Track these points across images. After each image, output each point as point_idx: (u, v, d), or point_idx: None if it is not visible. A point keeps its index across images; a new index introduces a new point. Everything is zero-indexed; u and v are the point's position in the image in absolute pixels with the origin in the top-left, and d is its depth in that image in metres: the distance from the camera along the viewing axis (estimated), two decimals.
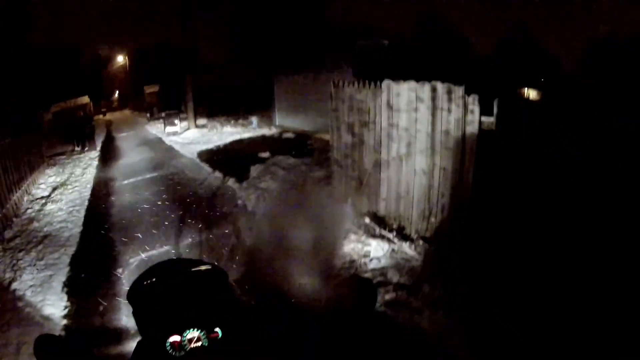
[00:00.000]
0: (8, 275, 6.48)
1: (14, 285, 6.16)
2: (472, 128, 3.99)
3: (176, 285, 1.36)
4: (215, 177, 10.96)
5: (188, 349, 1.23)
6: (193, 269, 1.42)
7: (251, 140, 16.11)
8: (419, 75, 4.90)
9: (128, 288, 1.42)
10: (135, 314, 1.36)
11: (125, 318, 4.91)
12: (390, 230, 5.43)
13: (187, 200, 9.04)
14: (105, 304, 5.36)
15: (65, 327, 4.99)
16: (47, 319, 5.21)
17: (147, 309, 1.35)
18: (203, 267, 1.45)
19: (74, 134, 19.59)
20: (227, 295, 1.41)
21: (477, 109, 3.93)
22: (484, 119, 4.01)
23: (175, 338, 1.23)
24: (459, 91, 4.08)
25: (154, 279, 1.39)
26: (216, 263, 1.46)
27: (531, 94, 10.78)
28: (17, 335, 4.84)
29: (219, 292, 1.39)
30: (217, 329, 1.27)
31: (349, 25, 15.27)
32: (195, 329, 1.25)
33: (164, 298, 1.33)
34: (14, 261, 6.97)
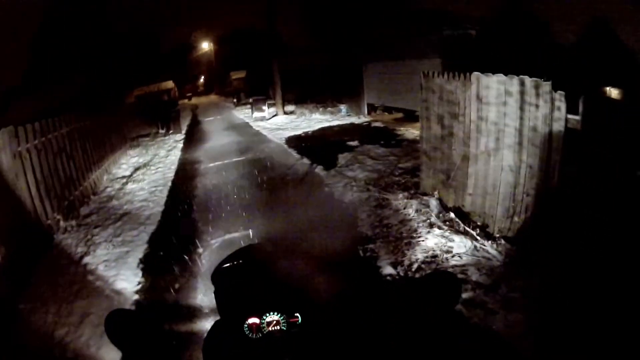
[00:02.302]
0: (80, 249, 6.80)
1: (86, 259, 6.44)
2: (558, 125, 4.08)
3: (260, 268, 1.55)
4: (302, 163, 11.28)
5: (266, 331, 1.39)
6: (287, 251, 1.72)
7: (340, 128, 16.37)
8: (505, 66, 5.01)
9: (211, 269, 1.66)
10: (216, 294, 1.55)
11: (200, 297, 5.14)
12: (474, 228, 5.61)
13: (273, 185, 9.34)
14: (182, 282, 5.58)
15: (137, 302, 5.21)
16: (118, 292, 5.46)
17: (229, 289, 1.52)
18: (296, 250, 1.75)
19: (158, 116, 20.67)
20: (317, 281, 1.57)
21: (563, 106, 4.01)
22: (570, 116, 4.08)
23: (254, 320, 1.39)
24: (546, 87, 4.18)
25: (239, 261, 1.62)
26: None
27: (613, 92, 10.25)
28: (83, 306, 5.10)
29: (308, 277, 1.56)
30: (298, 315, 1.42)
31: (434, 11, 15.13)
32: (276, 313, 1.40)
33: (247, 280, 1.51)
34: (89, 236, 7.30)
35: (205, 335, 1.53)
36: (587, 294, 3.65)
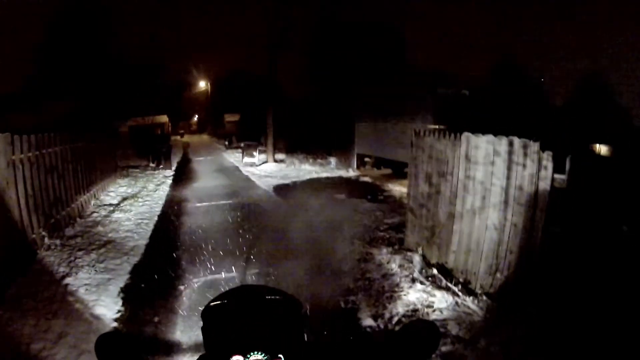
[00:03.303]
0: (62, 269, 6.71)
1: (68, 280, 6.34)
2: (544, 184, 4.22)
3: (249, 308, 1.55)
4: (290, 212, 11.26)
5: None
6: (268, 297, 1.75)
7: (328, 180, 16.57)
8: (497, 125, 5.19)
9: (192, 306, 1.71)
10: (204, 330, 1.55)
11: (179, 333, 5.17)
12: (457, 284, 5.68)
13: (259, 231, 9.37)
14: (161, 316, 5.58)
15: (115, 330, 5.13)
16: (96, 317, 5.38)
17: (217, 326, 1.53)
18: (278, 296, 1.77)
19: (150, 149, 20.85)
20: (296, 326, 1.54)
21: (550, 165, 4.16)
22: (556, 175, 4.23)
23: (238, 357, 1.40)
24: (534, 146, 4.34)
25: (229, 300, 1.61)
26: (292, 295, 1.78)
27: (602, 149, 10.58)
28: (61, 325, 5.03)
29: (289, 322, 1.54)
30: (281, 356, 1.42)
31: (428, 70, 15.65)
32: (260, 353, 1.41)
33: (235, 319, 1.52)
34: (72, 258, 7.20)
35: None
36: (566, 351, 3.68)
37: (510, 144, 4.70)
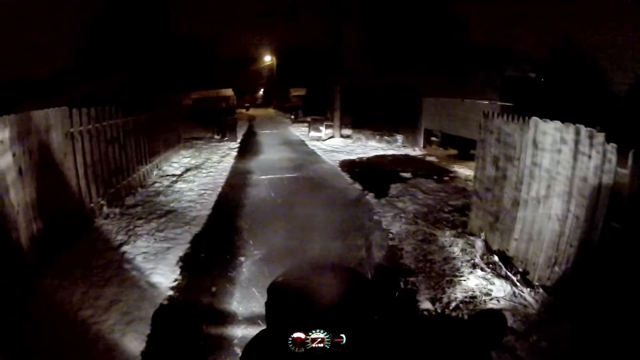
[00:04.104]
0: (120, 237, 7.02)
1: (125, 248, 6.64)
2: (608, 178, 4.12)
3: (314, 286, 1.60)
4: (354, 188, 11.43)
5: (309, 347, 1.43)
6: (334, 274, 1.68)
7: (394, 158, 16.50)
8: (561, 111, 5.07)
9: (251, 278, 1.77)
10: (268, 305, 1.62)
11: (236, 304, 5.23)
12: (516, 273, 5.66)
13: (322, 206, 9.45)
14: (219, 287, 5.69)
15: (170, 298, 5.34)
16: (152, 285, 5.59)
17: (280, 302, 1.58)
18: (345, 274, 1.83)
19: (215, 122, 21.37)
20: (361, 305, 1.60)
21: (614, 159, 4.04)
22: (619, 169, 4.14)
23: (300, 334, 1.43)
24: (600, 137, 4.24)
25: (295, 276, 1.70)
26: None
27: None
28: (113, 293, 5.26)
29: (354, 301, 1.59)
30: (343, 335, 1.45)
31: (492, 48, 15.10)
32: (322, 331, 1.45)
33: (300, 295, 1.56)
34: (131, 226, 7.52)
35: (240, 344, 1.66)
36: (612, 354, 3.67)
37: (577, 132, 4.60)
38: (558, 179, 4.96)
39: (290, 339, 1.44)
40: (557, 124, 5.00)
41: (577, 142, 4.62)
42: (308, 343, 1.43)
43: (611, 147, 4.13)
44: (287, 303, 1.58)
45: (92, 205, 7.78)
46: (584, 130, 4.52)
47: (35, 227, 5.93)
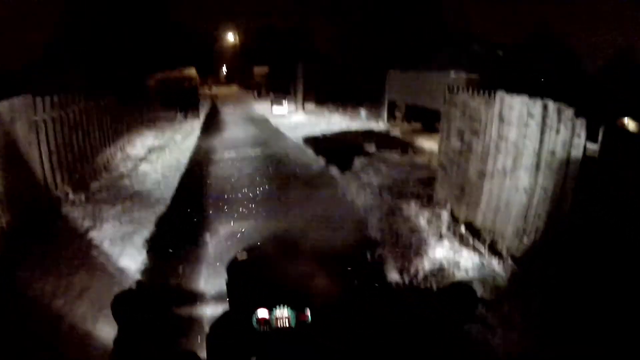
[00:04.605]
0: (87, 223, 6.79)
1: (92, 234, 6.42)
2: (576, 152, 4.17)
3: (278, 261, 1.62)
4: (318, 163, 11.44)
5: (274, 326, 1.42)
6: (294, 249, 1.81)
7: (358, 133, 16.48)
8: (529, 88, 5.11)
9: (217, 256, 1.71)
10: (229, 284, 1.60)
11: (203, 284, 5.20)
12: (483, 244, 5.72)
13: (286, 181, 9.52)
14: (186, 267, 5.62)
15: (138, 282, 5.19)
16: (120, 270, 5.45)
17: (241, 280, 1.56)
18: (305, 248, 1.83)
19: (178, 102, 21.02)
20: (327, 280, 1.58)
21: (583, 133, 4.09)
22: (588, 144, 4.18)
23: (264, 313, 1.42)
24: (569, 112, 4.29)
25: (254, 253, 1.69)
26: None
27: (630, 124, 10.21)
28: (84, 280, 5.10)
29: (319, 275, 1.57)
30: (308, 312, 1.45)
31: (463, 30, 15.20)
32: (286, 307, 1.43)
33: (262, 272, 1.54)
34: (97, 211, 7.29)
35: (209, 322, 1.58)
36: (584, 323, 3.72)
37: (545, 107, 4.64)
38: (525, 152, 5.01)
39: (254, 318, 1.42)
40: (524, 98, 5.03)
41: (544, 117, 4.65)
42: (273, 321, 1.42)
43: (580, 122, 4.16)
44: (248, 282, 1.54)
45: (58, 193, 7.56)
46: (551, 104, 4.55)
47: (5, 221, 5.73)
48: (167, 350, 3.19)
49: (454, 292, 4.56)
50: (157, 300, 4.92)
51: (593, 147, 4.09)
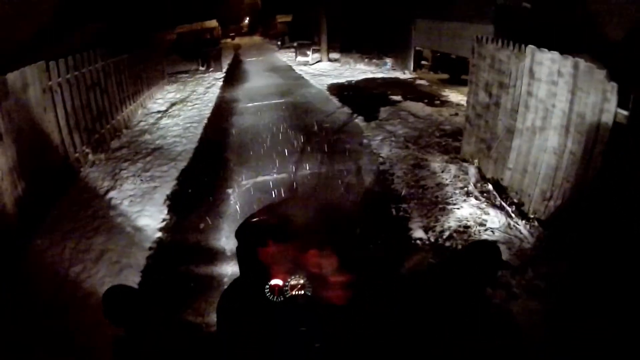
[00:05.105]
0: (107, 183, 6.87)
1: (112, 194, 6.50)
2: (606, 117, 3.98)
3: (297, 221, 1.42)
4: (343, 112, 11.31)
5: (289, 295, 1.29)
6: (311, 213, 1.48)
7: (383, 81, 16.16)
8: (558, 46, 4.90)
9: (240, 210, 1.61)
10: (239, 251, 1.46)
11: (224, 240, 5.16)
12: (511, 204, 5.63)
13: (311, 130, 9.41)
14: (207, 222, 5.62)
15: (158, 240, 5.27)
16: (140, 229, 5.52)
17: (253, 247, 1.39)
18: (323, 212, 1.50)
19: (199, 54, 20.86)
20: (349, 240, 1.49)
21: (614, 98, 3.89)
22: (619, 110, 4.01)
23: (277, 282, 1.30)
24: (599, 74, 4.09)
25: (268, 217, 1.49)
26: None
27: None
28: (102, 242, 5.14)
29: (340, 236, 1.46)
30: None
31: None
32: (302, 275, 1.31)
33: (276, 235, 1.37)
34: (117, 170, 7.35)
35: (222, 290, 1.46)
36: (611, 293, 3.61)
37: (575, 66, 4.45)
38: (555, 112, 4.84)
39: (267, 286, 1.30)
40: (555, 54, 4.82)
41: (575, 77, 4.47)
42: (287, 290, 1.30)
43: (611, 86, 3.99)
44: (261, 246, 1.38)
45: (77, 155, 7.58)
46: (583, 64, 4.35)
47: (20, 188, 5.72)
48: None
49: (477, 252, 4.56)
50: (177, 259, 4.91)
51: (624, 113, 3.94)
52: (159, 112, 12.00)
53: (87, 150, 7.94)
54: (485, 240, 4.72)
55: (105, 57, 9.55)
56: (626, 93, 3.90)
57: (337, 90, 14.55)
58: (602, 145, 4.11)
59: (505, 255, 4.63)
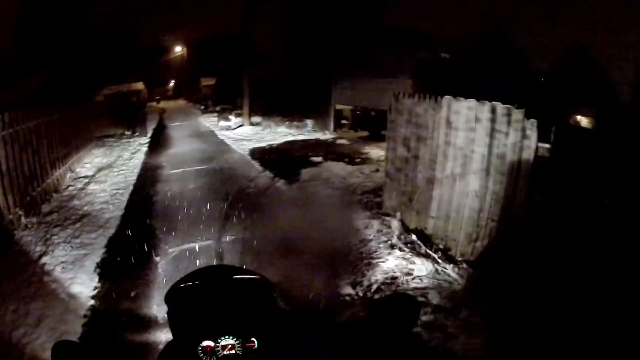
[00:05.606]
0: (39, 248, 6.65)
1: (45, 260, 6.30)
2: (527, 154, 4.06)
3: (217, 291, 1.49)
4: (265, 176, 11.21)
5: (220, 355, 1.36)
6: (237, 277, 1.54)
7: (304, 143, 16.34)
8: (478, 91, 5.00)
9: (168, 277, 1.57)
10: (170, 314, 1.50)
11: (156, 307, 5.02)
12: (436, 251, 5.58)
13: (234, 197, 9.24)
14: (138, 290, 5.49)
15: (92, 308, 5.12)
16: (73, 297, 5.35)
17: (183, 310, 1.47)
18: (248, 276, 1.56)
19: (126, 118, 20.52)
20: (268, 307, 1.51)
21: (534, 135, 3.98)
22: (540, 145, 4.07)
23: (209, 343, 1.37)
24: (518, 114, 4.16)
25: (195, 282, 1.55)
26: (260, 275, 1.62)
27: (583, 121, 10.43)
28: (40, 307, 4.96)
29: (260, 303, 1.49)
30: (254, 339, 1.39)
31: (407, 32, 15.17)
32: (231, 337, 1.38)
33: (202, 302, 1.46)
34: (48, 236, 7.14)
35: (157, 354, 1.42)
36: (545, 319, 3.64)
37: (493, 110, 4.50)
38: (474, 157, 4.88)
39: (200, 348, 1.34)
40: (471, 102, 4.89)
41: (492, 120, 4.52)
42: (219, 351, 1.35)
43: (530, 124, 4.03)
44: (190, 311, 1.45)
45: (10, 217, 7.17)
46: (500, 107, 4.42)
47: None
48: None
49: (392, 303, 4.38)
50: (112, 326, 4.76)
51: (545, 147, 3.98)
52: (86, 177, 11.59)
53: (20, 212, 7.51)
54: (399, 293, 4.64)
55: (37, 116, 9.07)
56: (547, 126, 3.94)
57: (259, 154, 14.53)
58: (524, 181, 4.12)
59: (435, 300, 4.55)
